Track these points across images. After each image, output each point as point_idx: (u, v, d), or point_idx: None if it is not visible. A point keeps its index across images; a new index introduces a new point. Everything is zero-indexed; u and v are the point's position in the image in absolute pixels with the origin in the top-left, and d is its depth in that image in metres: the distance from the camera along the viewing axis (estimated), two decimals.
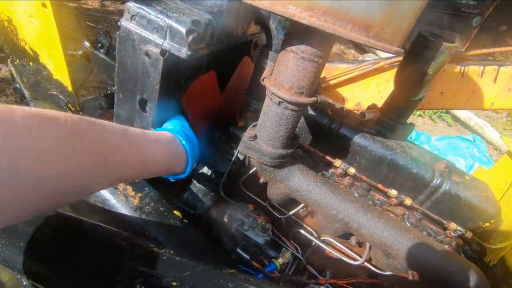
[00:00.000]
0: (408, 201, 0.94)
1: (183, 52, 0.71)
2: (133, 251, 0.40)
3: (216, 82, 1.10)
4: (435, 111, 5.00)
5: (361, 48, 5.63)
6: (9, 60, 0.92)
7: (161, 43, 0.72)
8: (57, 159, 0.39)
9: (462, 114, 4.82)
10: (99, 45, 1.46)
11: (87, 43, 1.59)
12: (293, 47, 0.65)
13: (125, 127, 0.59)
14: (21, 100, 0.94)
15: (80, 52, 1.66)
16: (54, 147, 0.38)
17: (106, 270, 0.37)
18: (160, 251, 0.41)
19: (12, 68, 0.91)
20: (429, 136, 3.78)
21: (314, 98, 0.73)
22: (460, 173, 1.01)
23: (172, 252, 0.42)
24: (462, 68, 1.39)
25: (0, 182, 0.33)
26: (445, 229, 0.97)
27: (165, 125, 0.87)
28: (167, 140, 0.74)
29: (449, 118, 5.00)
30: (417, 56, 0.82)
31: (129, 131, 0.59)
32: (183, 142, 0.79)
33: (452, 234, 0.93)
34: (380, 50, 0.62)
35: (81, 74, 1.79)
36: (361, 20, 0.56)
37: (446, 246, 0.92)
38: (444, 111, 5.00)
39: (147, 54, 0.74)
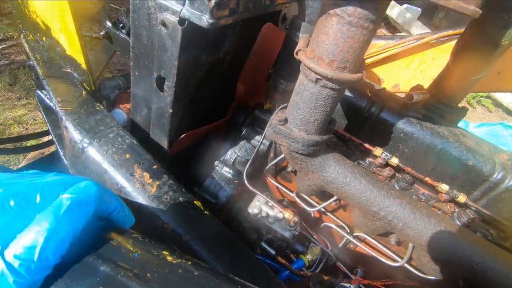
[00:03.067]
0: (462, 198, 0.81)
1: (205, 20, 0.61)
2: (142, 261, 0.32)
3: (280, 44, 1.00)
4: (474, 95, 4.60)
5: (392, 27, 5.23)
6: (22, 35, 0.87)
7: (179, 9, 0.62)
8: None
9: (505, 98, 4.39)
10: (121, 25, 1.39)
11: (108, 23, 1.53)
12: (337, 10, 0.52)
13: None
14: (37, 78, 0.89)
15: (102, 33, 1.60)
16: None
17: (104, 283, 0.30)
18: (174, 262, 0.33)
19: (25, 44, 0.86)
20: (466, 123, 3.47)
21: (359, 75, 0.60)
22: None
23: (190, 263, 0.34)
24: None
25: None
26: (504, 231, 0.83)
27: None
28: None
29: (489, 103, 4.58)
30: (489, 22, 0.67)
31: None
32: None
33: None
34: (453, 10, 0.48)
35: (104, 56, 1.74)
36: None
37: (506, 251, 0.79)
38: (484, 95, 4.58)
39: (163, 23, 0.65)
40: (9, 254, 0.34)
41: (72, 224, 0.37)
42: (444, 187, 0.82)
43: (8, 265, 0.34)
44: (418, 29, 4.82)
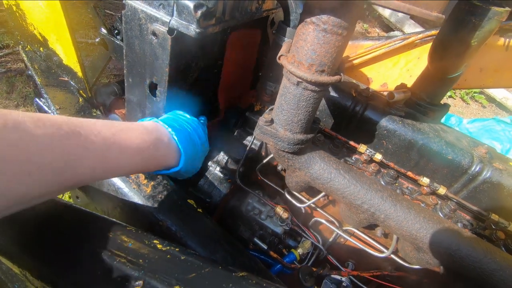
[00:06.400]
0: (442, 190, 0.85)
1: (192, 29, 0.65)
2: (135, 249, 0.37)
3: (258, 43, 1.05)
4: (467, 91, 4.66)
5: (386, 26, 5.29)
6: (20, 46, 0.91)
7: (168, 20, 0.66)
8: None
9: (498, 94, 4.45)
10: (116, 31, 1.43)
11: (104, 30, 1.56)
12: (313, 18, 0.57)
13: (80, 120, 0.45)
14: (35, 87, 0.93)
15: (97, 40, 1.64)
16: None
17: (102, 269, 0.34)
18: (164, 249, 0.37)
19: (24, 55, 0.90)
20: (460, 119, 3.52)
21: (337, 77, 0.65)
22: (503, 159, 0.90)
23: (178, 249, 0.38)
24: (507, 40, 1.23)
25: None
26: (483, 221, 0.88)
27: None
28: (145, 128, 0.61)
29: (483, 98, 4.64)
30: (459, 24, 0.71)
31: (83, 125, 0.44)
32: (169, 129, 0.67)
33: (493, 226, 0.84)
34: (416, 16, 0.53)
35: (100, 62, 1.78)
36: None
37: (485, 240, 0.83)
38: (477, 91, 4.64)
39: (154, 33, 0.69)
40: None
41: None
42: (425, 180, 0.86)
43: None
44: (411, 27, 4.88)
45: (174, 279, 0.33)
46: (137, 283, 0.33)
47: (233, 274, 0.36)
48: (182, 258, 0.36)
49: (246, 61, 1.10)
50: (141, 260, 0.35)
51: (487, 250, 0.70)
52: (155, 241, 0.39)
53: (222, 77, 1.00)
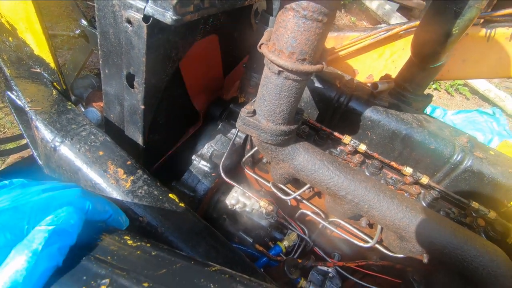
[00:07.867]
0: (424, 179, 0.86)
1: (168, 16, 0.62)
2: (103, 245, 0.35)
3: (217, 48, 1.01)
4: (452, 83, 4.75)
5: (373, 19, 5.31)
6: None
7: (143, 7, 0.63)
8: None
9: (481, 86, 4.55)
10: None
11: (84, 22, 1.49)
12: (293, 4, 0.55)
13: None
14: (5, 79, 0.88)
15: (77, 32, 1.57)
16: None
17: (67, 265, 0.32)
18: (134, 245, 0.35)
19: None
20: (445, 111, 3.60)
21: (319, 66, 0.63)
22: (484, 148, 0.91)
23: (149, 245, 0.36)
24: (488, 31, 1.24)
25: None
26: (464, 208, 0.89)
27: None
28: None
29: (466, 91, 4.74)
30: (440, 13, 0.71)
31: None
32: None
33: (474, 214, 0.85)
34: (398, 2, 0.52)
35: (81, 55, 1.70)
36: None
37: (466, 227, 0.85)
38: (461, 83, 4.74)
39: (129, 21, 0.66)
40: None
41: (52, 257, 0.35)
42: (408, 170, 0.87)
43: None
44: (397, 20, 4.89)
45: (143, 276, 0.31)
46: (103, 281, 0.31)
47: (206, 268, 0.35)
48: (153, 253, 0.35)
49: (209, 67, 1.06)
50: (109, 257, 0.33)
51: (467, 237, 0.71)
52: (125, 237, 0.37)
53: (187, 88, 0.97)
